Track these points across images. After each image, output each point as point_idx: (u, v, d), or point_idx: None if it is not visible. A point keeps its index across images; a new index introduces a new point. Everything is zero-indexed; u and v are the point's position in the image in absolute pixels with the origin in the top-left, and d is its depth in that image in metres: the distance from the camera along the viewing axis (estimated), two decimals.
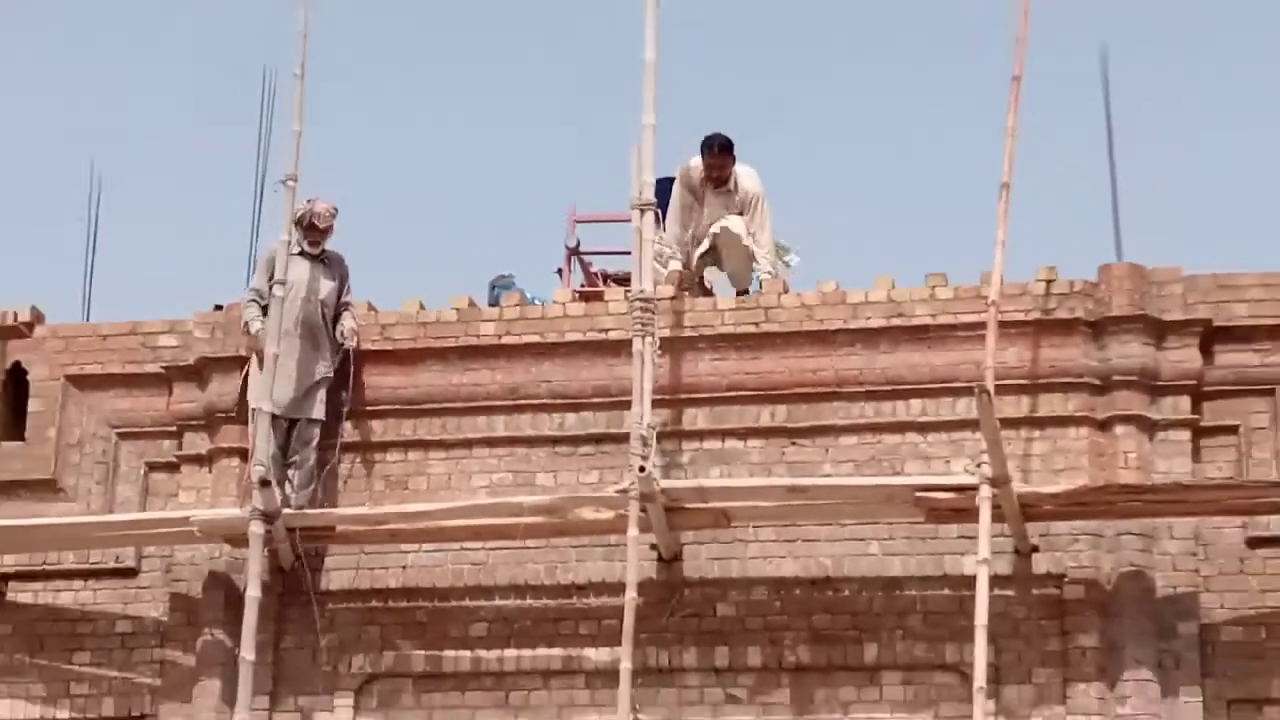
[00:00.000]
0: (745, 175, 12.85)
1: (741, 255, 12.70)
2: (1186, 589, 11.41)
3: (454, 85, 30.02)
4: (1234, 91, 28.58)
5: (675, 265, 12.69)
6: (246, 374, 12.18)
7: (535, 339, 12.35)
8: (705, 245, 12.80)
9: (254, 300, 12.18)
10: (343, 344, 12.23)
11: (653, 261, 11.81)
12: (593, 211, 15.45)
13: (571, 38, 30.36)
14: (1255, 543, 11.52)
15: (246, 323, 12.15)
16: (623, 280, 13.71)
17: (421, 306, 12.62)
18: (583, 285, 14.77)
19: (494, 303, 12.93)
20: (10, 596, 12.50)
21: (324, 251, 12.49)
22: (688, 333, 12.18)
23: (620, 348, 11.95)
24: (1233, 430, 11.76)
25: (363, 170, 26.81)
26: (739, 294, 12.59)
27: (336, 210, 12.56)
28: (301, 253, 12.40)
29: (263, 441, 11.77)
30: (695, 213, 12.85)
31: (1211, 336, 11.81)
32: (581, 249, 15.37)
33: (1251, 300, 11.88)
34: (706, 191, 12.87)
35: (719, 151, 12.82)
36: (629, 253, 12.44)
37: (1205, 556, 11.50)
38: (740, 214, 12.80)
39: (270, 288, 12.01)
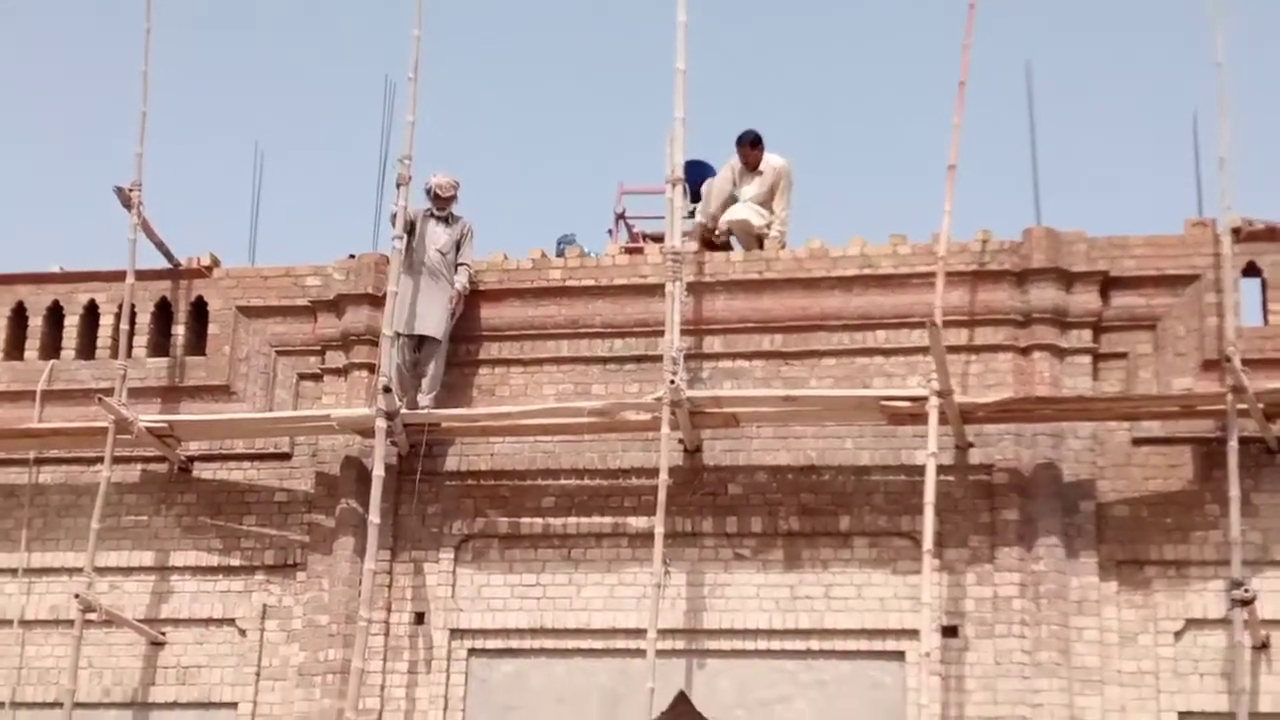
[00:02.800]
0: (771, 159, 12.79)
1: (750, 239, 12.66)
2: (1086, 477, 11.34)
3: (534, 90, 29.86)
4: (1127, 88, 28.26)
5: (699, 219, 12.73)
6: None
7: (591, 282, 12.27)
8: (725, 226, 12.75)
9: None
10: (453, 291, 12.13)
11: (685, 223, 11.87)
12: (636, 185, 15.30)
13: (623, 49, 30.15)
14: (1139, 442, 11.43)
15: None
16: (658, 238, 13.57)
17: (505, 256, 12.53)
18: (627, 242, 14.64)
19: (560, 254, 12.82)
20: (195, 473, 12.51)
21: (449, 214, 12.38)
22: (707, 279, 12.08)
23: (656, 290, 11.87)
24: (1123, 356, 11.65)
25: (466, 149, 26.67)
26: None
27: (457, 182, 12.46)
28: (431, 214, 12.31)
29: (386, 358, 11.72)
30: (732, 193, 12.81)
31: (1108, 284, 11.68)
32: (627, 214, 15.22)
33: (1139, 256, 11.74)
34: (742, 177, 12.79)
35: (748, 144, 12.76)
36: (663, 217, 12.32)
37: (1101, 452, 11.41)
38: (768, 191, 12.70)
39: (395, 240, 11.92)
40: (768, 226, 12.67)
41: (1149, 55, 28.12)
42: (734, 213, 12.71)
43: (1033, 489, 11.25)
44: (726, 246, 12.77)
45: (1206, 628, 10.98)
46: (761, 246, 12.48)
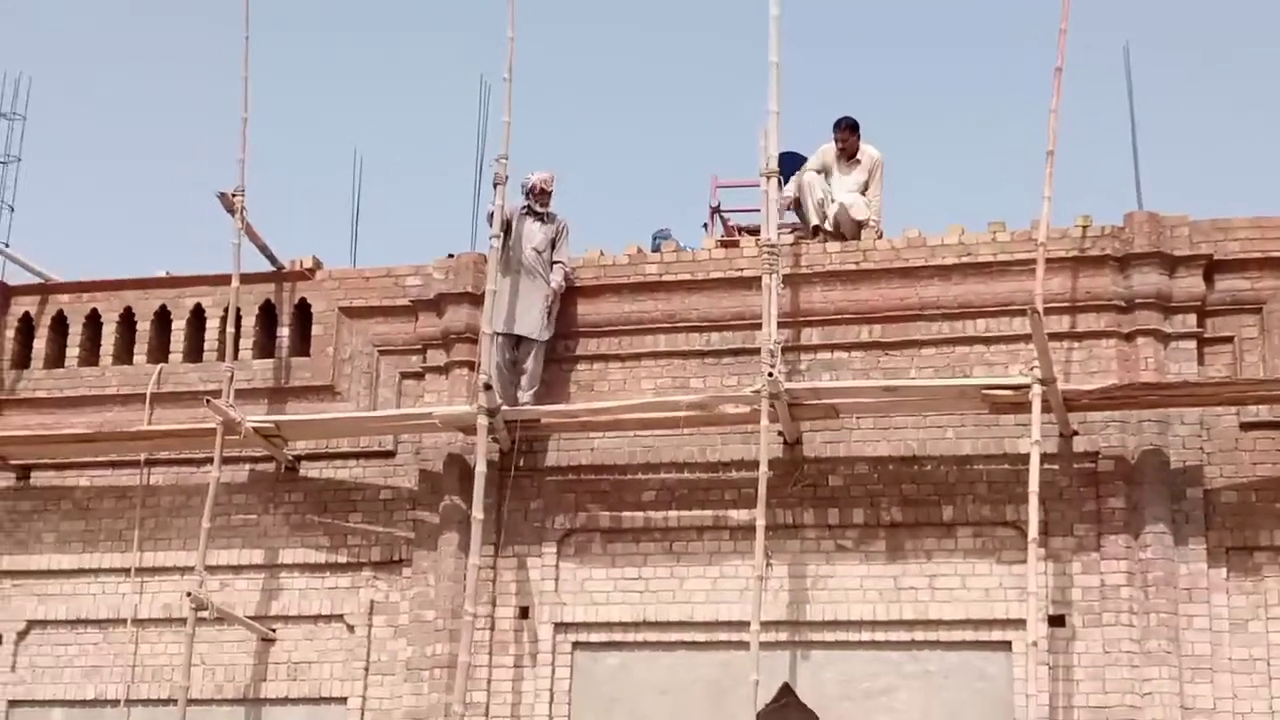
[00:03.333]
0: (868, 149, 12.73)
1: (853, 227, 12.49)
2: (1193, 463, 11.17)
3: (629, 87, 29.95)
4: (1228, 68, 27.80)
5: (789, 191, 12.54)
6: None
7: (687, 277, 12.27)
8: (832, 216, 12.61)
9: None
10: (550, 289, 12.22)
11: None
12: (730, 178, 15.31)
13: (716, 42, 30.14)
14: (1247, 426, 11.24)
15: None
16: (753, 231, 13.55)
17: (601, 253, 12.59)
18: (723, 236, 14.64)
19: (656, 249, 12.84)
20: (302, 472, 12.68)
21: (546, 212, 12.47)
22: (804, 271, 12.04)
23: (752, 283, 11.86)
24: (1229, 340, 11.47)
25: (561, 148, 26.84)
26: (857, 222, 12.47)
27: (554, 177, 12.53)
28: (529, 210, 12.42)
29: (486, 355, 11.83)
30: (817, 186, 12.70)
31: (1212, 268, 11.50)
32: (721, 208, 15.24)
33: (1243, 239, 11.55)
34: (838, 163, 12.72)
35: (846, 129, 12.70)
36: (758, 210, 12.32)
37: (1208, 437, 11.24)
38: (865, 180, 12.62)
39: (492, 239, 12.03)
40: (870, 218, 12.57)
41: (1251, 34, 27.64)
42: (842, 199, 12.55)
43: (1139, 476, 11.11)
44: (829, 234, 12.66)
45: None
46: (859, 237, 12.45)
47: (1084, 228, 11.69)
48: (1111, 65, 12.60)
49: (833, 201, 12.58)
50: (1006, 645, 11.03)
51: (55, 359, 13.38)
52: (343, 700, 12.07)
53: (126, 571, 12.68)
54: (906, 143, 26.56)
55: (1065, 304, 11.52)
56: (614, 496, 11.94)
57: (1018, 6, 27.65)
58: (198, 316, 13.28)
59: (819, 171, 12.76)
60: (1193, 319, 11.44)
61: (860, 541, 11.47)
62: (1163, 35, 26.09)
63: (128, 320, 13.41)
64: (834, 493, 11.58)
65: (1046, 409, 10.89)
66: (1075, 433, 11.27)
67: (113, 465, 12.98)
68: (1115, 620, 10.88)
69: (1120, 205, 11.73)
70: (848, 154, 12.71)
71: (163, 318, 13.35)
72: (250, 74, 12.86)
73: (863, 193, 12.63)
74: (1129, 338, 11.40)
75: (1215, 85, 27.53)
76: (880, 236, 12.27)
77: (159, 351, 13.28)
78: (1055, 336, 11.28)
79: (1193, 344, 11.40)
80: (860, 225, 12.44)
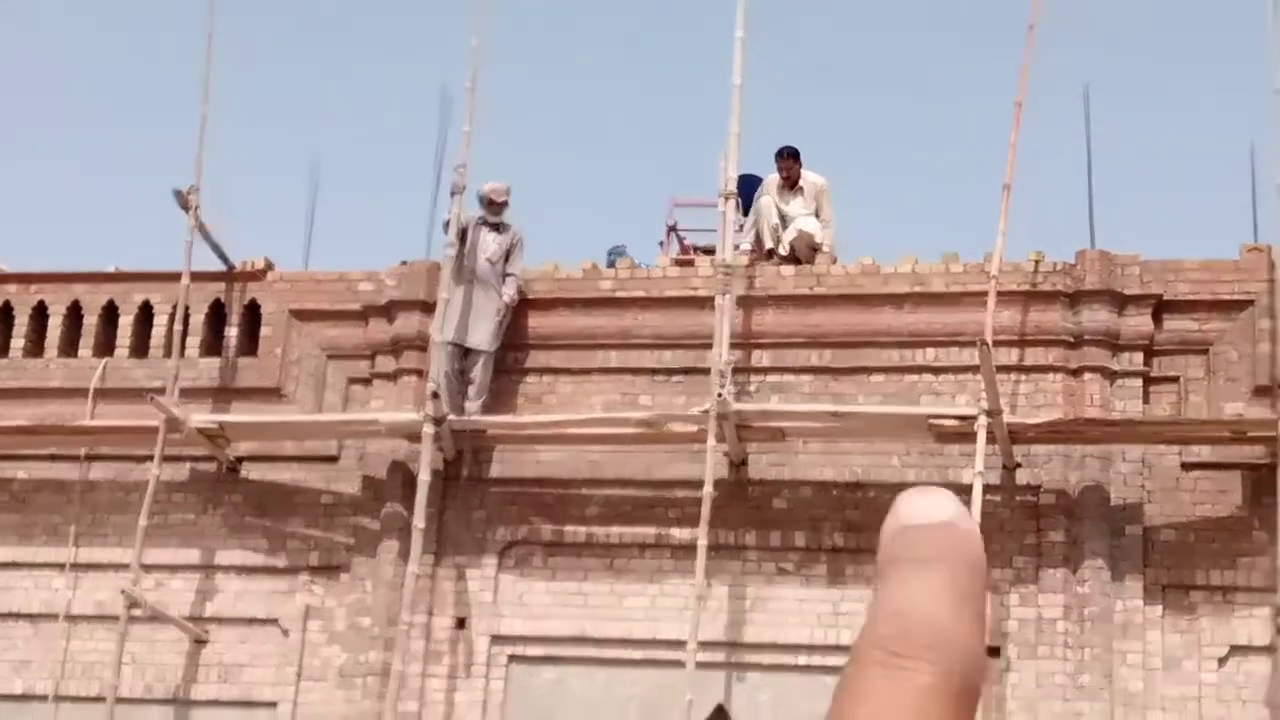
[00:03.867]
0: (810, 176, 12.78)
1: (809, 253, 12.53)
2: (1134, 500, 11.27)
3: (588, 103, 30.01)
4: (1185, 114, 28.14)
5: (744, 246, 12.60)
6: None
7: (641, 294, 12.30)
8: (787, 241, 12.64)
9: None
10: (501, 302, 12.21)
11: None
12: (688, 197, 15.36)
13: (678, 64, 30.25)
14: (1188, 466, 11.35)
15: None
16: (709, 251, 13.61)
17: (556, 266, 12.59)
18: (678, 254, 14.69)
19: (611, 265, 12.87)
20: (243, 473, 12.60)
21: (501, 222, 12.46)
22: (757, 293, 12.09)
23: (706, 302, 11.89)
24: (1174, 380, 11.58)
25: (520, 160, 26.85)
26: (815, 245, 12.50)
27: (509, 189, 12.53)
28: (485, 221, 12.41)
29: (435, 364, 11.80)
30: (773, 210, 12.75)
31: (1161, 308, 11.62)
32: (678, 226, 15.28)
33: (1193, 281, 11.68)
34: (781, 193, 12.77)
35: (787, 157, 12.76)
36: (715, 230, 12.36)
37: (1149, 476, 11.35)
38: (816, 206, 12.68)
39: (447, 247, 12.01)
40: (824, 244, 12.61)
41: (1207, 80, 28.00)
42: (800, 225, 12.59)
43: (1079, 511, 11.20)
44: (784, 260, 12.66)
45: (1251, 654, 10.88)
46: (814, 261, 12.48)
47: (1036, 263, 11.78)
48: (1071, 106, 12.74)
49: (787, 227, 12.61)
50: None
51: None
52: (273, 705, 11.97)
53: (61, 566, 12.55)
54: (865, 172, 26.74)
55: (1014, 337, 11.60)
56: (557, 510, 11.92)
57: (979, 40, 27.90)
58: (145, 313, 13.19)
59: (764, 209, 12.79)
60: (1140, 357, 11.54)
61: (801, 565, 11.50)
62: (1122, 77, 26.40)
63: (74, 314, 13.31)
64: (777, 515, 11.61)
65: (991, 440, 10.96)
66: (1018, 465, 11.34)
67: (52, 459, 12.86)
68: (1050, 654, 10.94)
69: (1073, 242, 11.89)
70: (790, 182, 12.73)
71: (110, 312, 13.26)
72: (212, 72, 12.82)
73: (815, 217, 12.69)
74: (1076, 373, 11.50)
75: (1171, 129, 27.87)
76: (834, 262, 12.32)
77: (105, 346, 13.18)
78: (1003, 369, 11.35)
79: (1139, 382, 11.50)
80: (815, 250, 12.49)
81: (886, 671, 1.08)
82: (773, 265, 12.38)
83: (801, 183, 12.75)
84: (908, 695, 1.07)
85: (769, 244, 12.69)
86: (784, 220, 12.70)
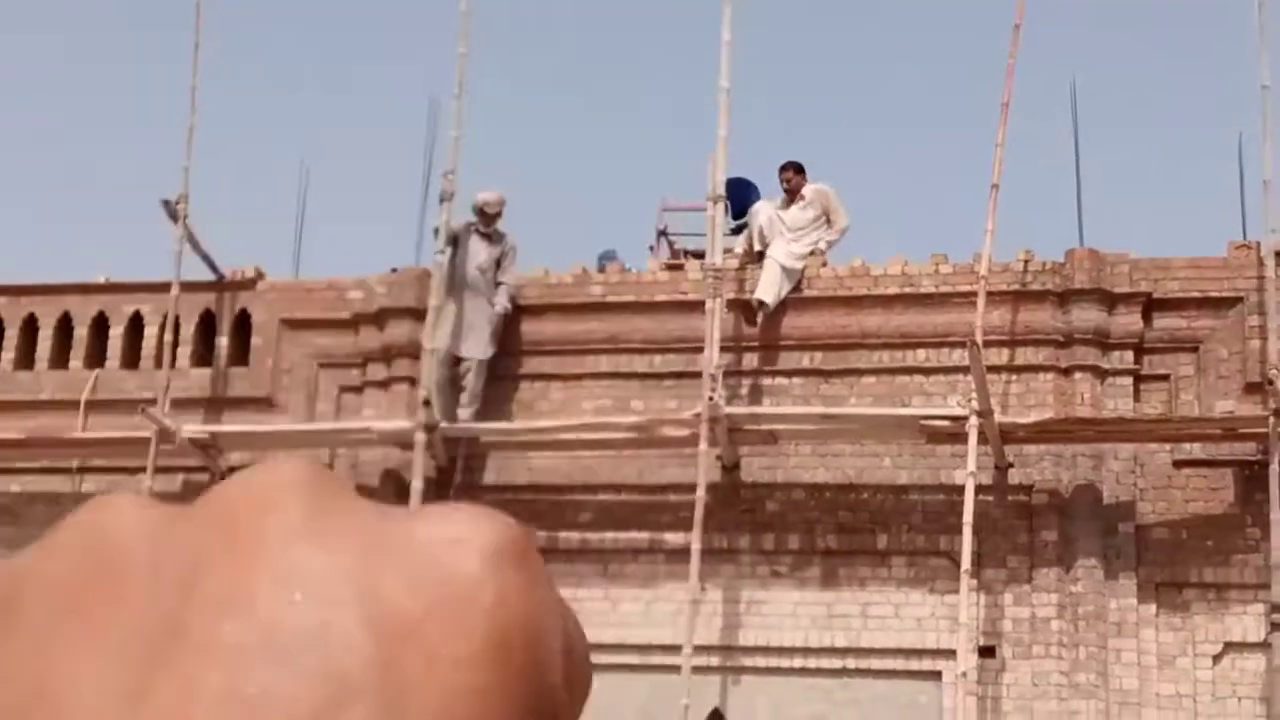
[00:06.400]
0: (813, 188, 12.69)
1: (774, 276, 12.12)
2: (1126, 498, 11.31)
3: (578, 108, 30.03)
4: (1172, 111, 28.19)
5: (737, 250, 12.50)
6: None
7: (632, 298, 12.33)
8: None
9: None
10: (493, 311, 12.22)
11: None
12: (678, 202, 15.39)
13: (667, 68, 30.28)
14: (1180, 464, 11.40)
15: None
16: (699, 255, 13.64)
17: (547, 272, 12.61)
18: (669, 258, 14.72)
19: (601, 269, 12.90)
20: None
21: (494, 230, 12.48)
22: (748, 296, 12.12)
23: (696, 306, 11.90)
24: (1165, 378, 11.63)
25: (510, 165, 26.88)
26: (759, 304, 12.02)
27: (504, 199, 12.53)
28: (476, 229, 12.43)
29: (427, 371, 11.82)
30: (770, 228, 12.52)
31: (1151, 306, 11.67)
32: (668, 231, 15.31)
33: (1182, 279, 11.73)
34: (782, 210, 12.56)
35: (788, 169, 12.69)
36: (704, 234, 12.38)
37: (1141, 474, 11.39)
38: (813, 219, 12.42)
39: (437, 254, 12.03)
40: (812, 252, 12.44)
41: (1194, 78, 28.08)
42: (771, 254, 12.21)
43: (1072, 510, 11.24)
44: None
45: (1245, 651, 10.93)
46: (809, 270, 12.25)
47: (1025, 262, 11.82)
48: (1058, 102, 12.76)
49: (768, 254, 12.30)
50: (937, 675, 11.10)
51: None
52: None
53: None
54: (853, 173, 26.79)
55: (1005, 337, 11.64)
56: (550, 516, 11.94)
57: (967, 39, 27.94)
58: (136, 324, 13.21)
59: (758, 228, 12.62)
60: (1130, 356, 11.58)
61: (795, 568, 11.53)
62: (1110, 76, 26.44)
63: (65, 325, 13.32)
64: (770, 518, 11.64)
65: (983, 441, 11.00)
66: (1010, 465, 11.38)
67: (45, 471, 12.86)
68: (1045, 653, 10.98)
69: (1062, 241, 11.95)
70: (791, 194, 12.67)
71: (100, 324, 13.27)
72: (199, 83, 12.84)
73: (806, 229, 12.47)
74: (1066, 372, 11.53)
75: (1159, 127, 27.92)
76: (824, 265, 12.33)
77: (95, 358, 13.19)
78: (994, 369, 11.39)
79: (1129, 380, 11.54)
80: (780, 275, 12.18)
81: None
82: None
83: (805, 192, 12.64)
84: None
85: (757, 246, 12.61)
86: (775, 232, 12.46)
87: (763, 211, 12.70)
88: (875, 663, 11.24)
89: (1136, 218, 24.69)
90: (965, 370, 11.16)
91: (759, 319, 12.01)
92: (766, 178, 13.17)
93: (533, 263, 12.65)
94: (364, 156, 29.63)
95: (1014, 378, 11.63)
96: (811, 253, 12.35)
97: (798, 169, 12.70)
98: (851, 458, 11.62)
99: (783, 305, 12.03)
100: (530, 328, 12.40)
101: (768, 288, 11.99)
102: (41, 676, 0.44)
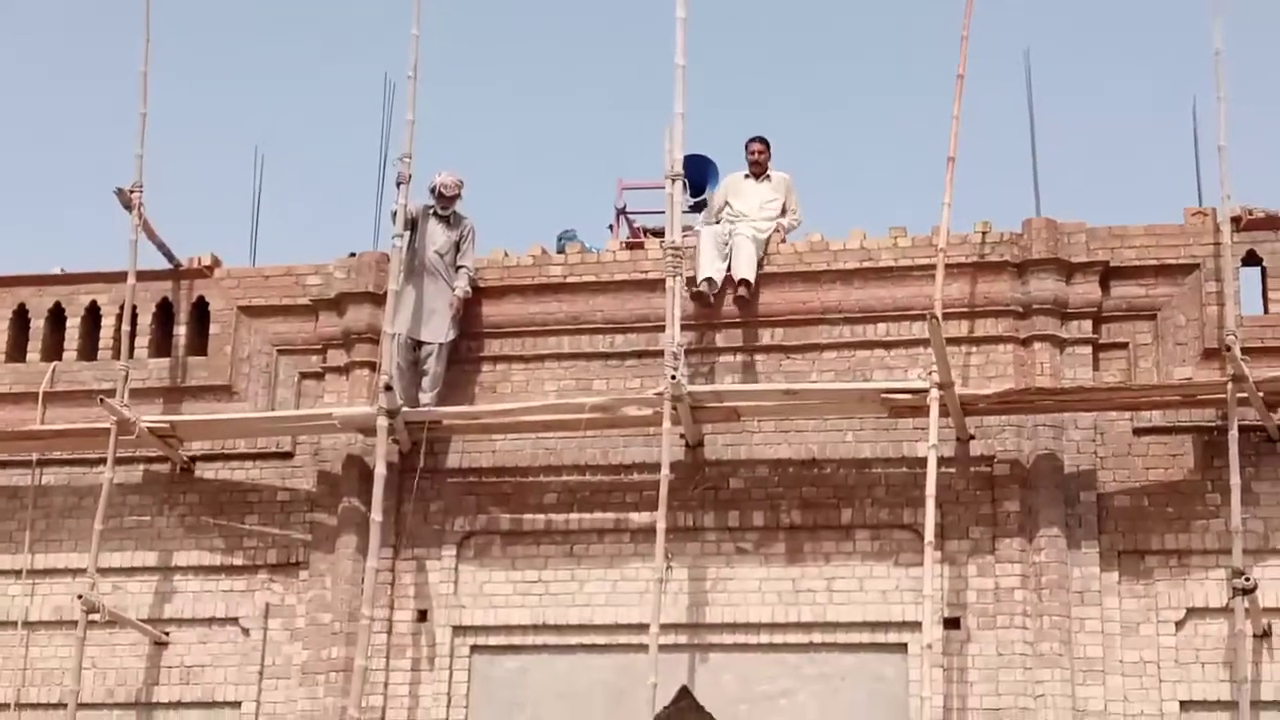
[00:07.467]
0: (777, 174, 12.58)
1: (749, 253, 12.05)
2: (1087, 467, 11.36)
3: (534, 87, 29.94)
4: (1126, 78, 28.30)
5: (716, 269, 12.02)
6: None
7: (592, 278, 12.30)
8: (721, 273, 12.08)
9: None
10: (453, 294, 12.16)
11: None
12: (636, 180, 15.34)
13: (622, 46, 30.22)
14: (1140, 431, 11.46)
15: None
16: (659, 233, 13.62)
17: (505, 254, 12.57)
18: (628, 237, 14.68)
19: (561, 250, 12.86)
20: (197, 473, 12.55)
21: (452, 213, 12.41)
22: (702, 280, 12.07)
23: (656, 285, 11.90)
24: (1123, 346, 11.68)
25: (466, 146, 26.75)
26: (740, 282, 11.95)
27: (461, 182, 12.47)
28: (434, 212, 12.37)
29: (387, 356, 11.76)
30: (734, 204, 12.45)
31: (1108, 274, 11.71)
32: (627, 209, 15.27)
33: (1139, 246, 11.77)
34: (747, 184, 12.54)
35: (758, 142, 12.60)
36: (663, 212, 12.35)
37: (1102, 442, 11.44)
38: (782, 199, 12.41)
39: (395, 238, 11.97)
40: (777, 229, 12.39)
41: (1148, 44, 28.18)
42: (739, 234, 12.10)
43: (1034, 480, 11.27)
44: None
45: (1208, 617, 11.00)
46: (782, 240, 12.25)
47: (983, 234, 11.85)
48: (1012, 76, 12.80)
49: (737, 233, 12.25)
50: (903, 648, 11.15)
51: None
52: (237, 705, 11.96)
53: (17, 573, 12.49)
54: (810, 147, 26.80)
55: (964, 309, 11.66)
56: (515, 499, 11.93)
57: (920, 12, 27.98)
58: (93, 314, 13.12)
59: (719, 208, 12.57)
60: (1088, 325, 11.62)
61: (760, 544, 11.55)
62: (1063, 43, 26.52)
63: (21, 317, 13.22)
64: (734, 495, 11.65)
65: (944, 413, 11.03)
66: (972, 437, 11.42)
67: (4, 465, 12.79)
68: (1009, 623, 11.03)
69: (1020, 212, 11.92)
70: (759, 169, 12.61)
71: (57, 315, 13.18)
72: (150, 69, 12.72)
73: (781, 214, 12.45)
74: (1026, 343, 11.57)
75: (1113, 95, 28.03)
76: (783, 241, 12.33)
77: (53, 349, 13.10)
78: (954, 341, 11.42)
79: (1088, 350, 11.58)
80: (754, 254, 12.13)
81: None
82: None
83: (771, 173, 12.59)
84: None
85: (713, 224, 12.43)
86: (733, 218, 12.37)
87: (719, 194, 12.65)
88: (841, 637, 11.27)
89: (1093, 186, 24.76)
90: (925, 343, 11.18)
91: (740, 294, 11.89)
92: (725, 153, 13.13)
93: (492, 244, 12.62)
94: (320, 141, 29.43)
95: (974, 349, 11.66)
96: (777, 229, 12.32)
97: (766, 144, 12.64)
98: (814, 433, 11.63)
99: (742, 282, 12.00)
100: (490, 310, 12.37)
101: (747, 266, 11.95)
102: None
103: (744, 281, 11.94)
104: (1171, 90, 25.37)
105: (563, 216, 25.27)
